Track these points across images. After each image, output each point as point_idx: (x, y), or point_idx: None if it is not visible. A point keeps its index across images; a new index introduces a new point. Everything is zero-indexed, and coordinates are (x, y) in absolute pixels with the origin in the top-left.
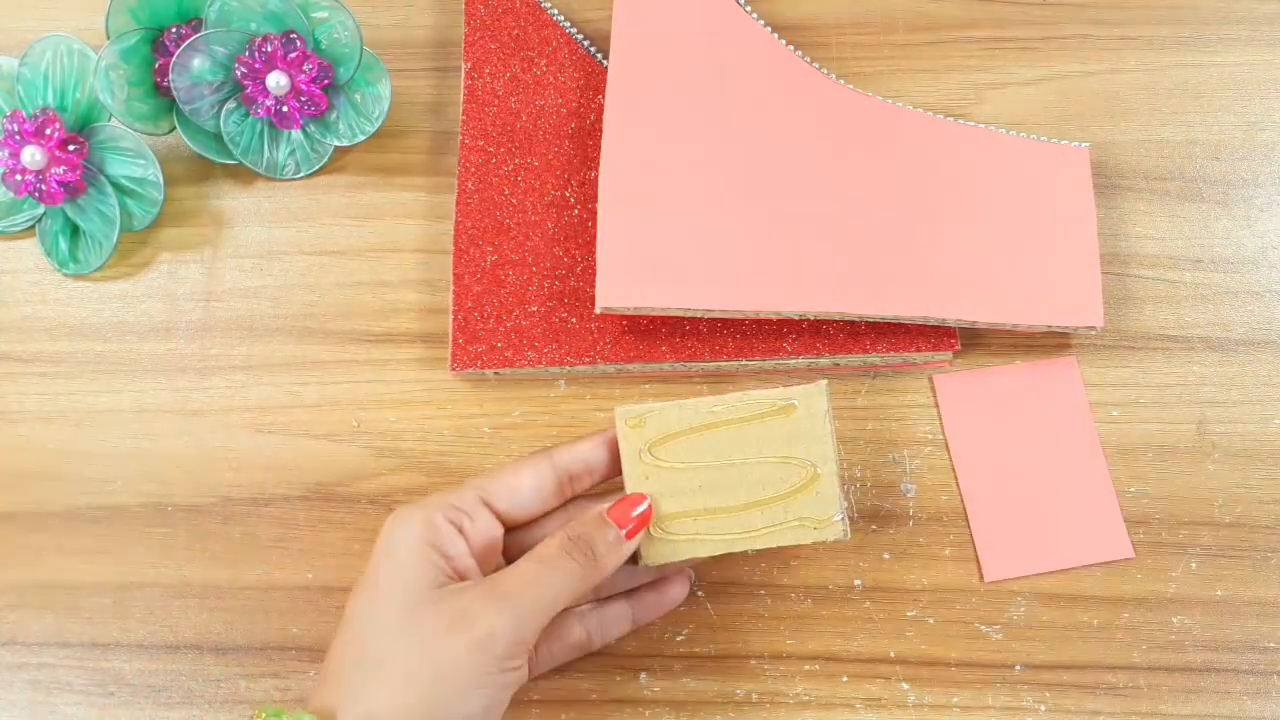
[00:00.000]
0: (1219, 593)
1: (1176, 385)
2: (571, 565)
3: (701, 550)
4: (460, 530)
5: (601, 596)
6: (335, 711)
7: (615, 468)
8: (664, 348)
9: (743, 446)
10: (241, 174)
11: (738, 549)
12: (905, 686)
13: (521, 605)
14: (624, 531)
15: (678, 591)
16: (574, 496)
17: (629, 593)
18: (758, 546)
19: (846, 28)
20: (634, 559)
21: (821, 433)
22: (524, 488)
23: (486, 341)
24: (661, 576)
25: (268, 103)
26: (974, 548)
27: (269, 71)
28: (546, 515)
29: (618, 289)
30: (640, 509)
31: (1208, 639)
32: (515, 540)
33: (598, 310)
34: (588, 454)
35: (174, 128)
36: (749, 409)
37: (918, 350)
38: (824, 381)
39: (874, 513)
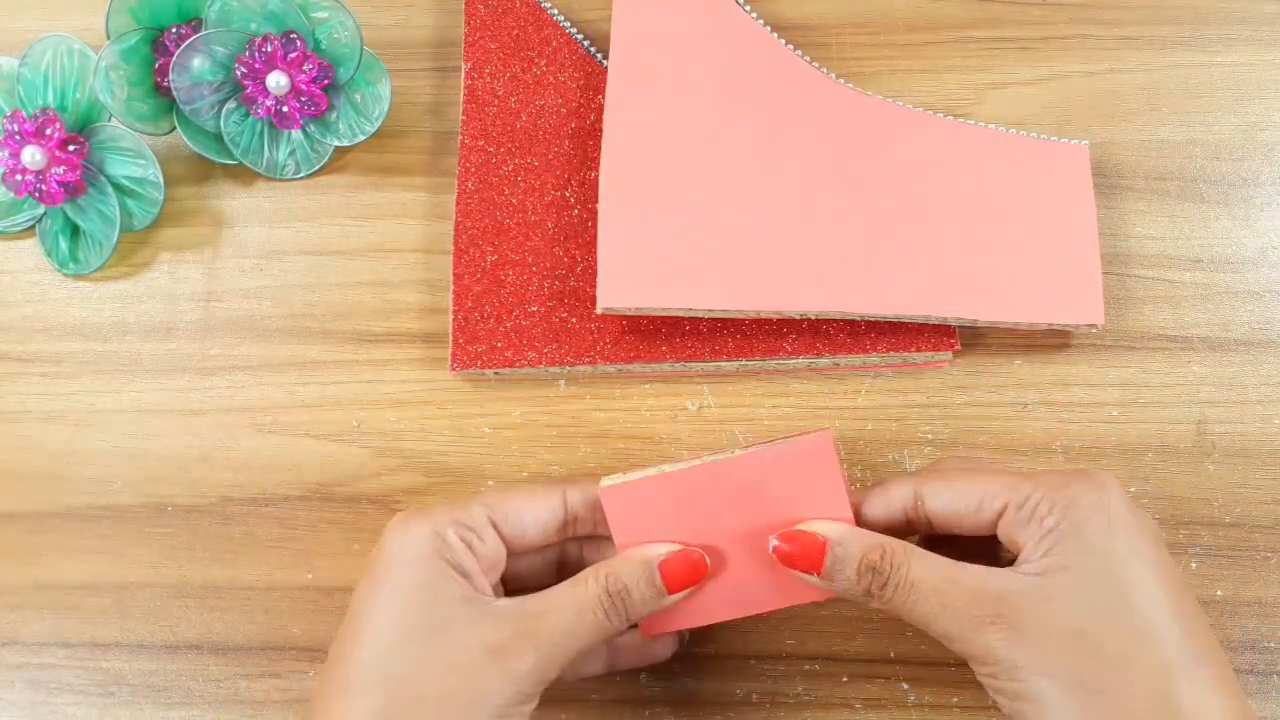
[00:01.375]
0: (1219, 593)
1: (1176, 385)
2: (601, 617)
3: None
4: (471, 549)
5: None
6: None
7: None
8: (664, 348)
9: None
10: (241, 174)
11: (737, 615)
12: (905, 686)
13: (553, 649)
14: (664, 581)
15: (661, 649)
16: (573, 536)
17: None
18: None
19: (846, 28)
20: None
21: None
22: (530, 520)
23: (486, 341)
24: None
25: (268, 103)
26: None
27: (269, 71)
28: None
29: (618, 289)
30: (691, 557)
31: None
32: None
33: (598, 310)
34: (597, 495)
35: (174, 128)
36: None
37: (918, 350)
38: (829, 431)
39: None
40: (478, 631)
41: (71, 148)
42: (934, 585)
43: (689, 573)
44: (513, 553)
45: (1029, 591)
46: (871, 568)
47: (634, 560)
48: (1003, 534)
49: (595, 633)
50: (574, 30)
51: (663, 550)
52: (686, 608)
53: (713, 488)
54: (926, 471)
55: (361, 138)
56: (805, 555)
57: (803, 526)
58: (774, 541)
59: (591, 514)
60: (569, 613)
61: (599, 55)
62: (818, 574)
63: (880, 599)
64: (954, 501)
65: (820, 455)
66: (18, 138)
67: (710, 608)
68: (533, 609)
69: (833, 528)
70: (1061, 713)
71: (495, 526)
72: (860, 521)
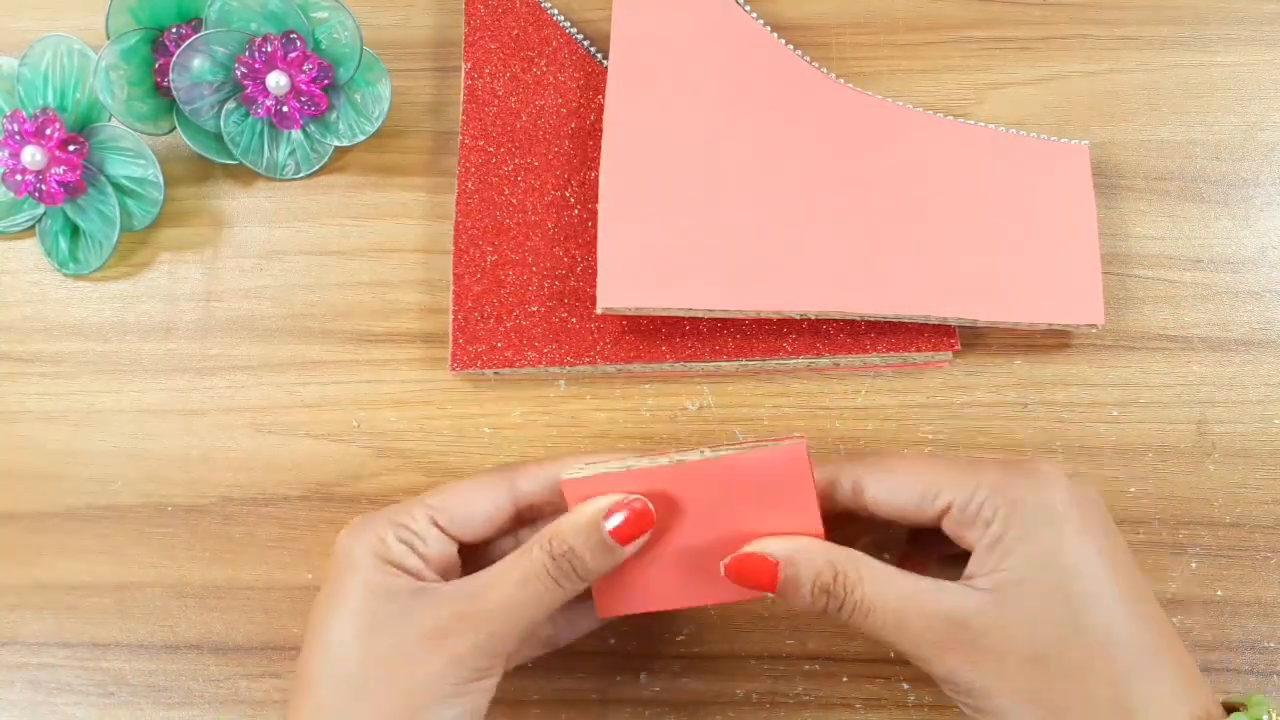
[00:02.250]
0: (1219, 593)
1: (1176, 385)
2: (550, 583)
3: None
4: (413, 549)
5: None
6: None
7: None
8: (664, 348)
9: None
10: (241, 174)
11: (696, 604)
12: (905, 686)
13: (496, 623)
14: (612, 535)
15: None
16: (533, 519)
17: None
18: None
19: (846, 28)
20: None
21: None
22: (477, 514)
23: (486, 341)
24: None
25: (268, 103)
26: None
27: (269, 71)
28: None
29: (618, 289)
30: (635, 508)
31: (1208, 639)
32: (474, 550)
33: (599, 310)
34: (553, 480)
35: (174, 128)
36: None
37: (918, 350)
38: (802, 441)
39: None
40: (418, 618)
41: (71, 148)
42: (890, 607)
43: (636, 521)
44: (467, 546)
45: (984, 612)
46: (825, 590)
47: (579, 517)
48: (949, 530)
49: (545, 600)
50: (574, 30)
51: (605, 502)
52: (645, 589)
53: (681, 487)
54: (865, 458)
55: (361, 138)
56: (756, 576)
57: (753, 547)
58: (724, 565)
59: (551, 495)
60: (510, 585)
61: (599, 55)
62: (772, 594)
63: (837, 619)
64: (894, 494)
65: (793, 465)
66: (18, 138)
67: (669, 593)
68: (474, 586)
69: (783, 546)
70: None
71: (438, 525)
72: None
